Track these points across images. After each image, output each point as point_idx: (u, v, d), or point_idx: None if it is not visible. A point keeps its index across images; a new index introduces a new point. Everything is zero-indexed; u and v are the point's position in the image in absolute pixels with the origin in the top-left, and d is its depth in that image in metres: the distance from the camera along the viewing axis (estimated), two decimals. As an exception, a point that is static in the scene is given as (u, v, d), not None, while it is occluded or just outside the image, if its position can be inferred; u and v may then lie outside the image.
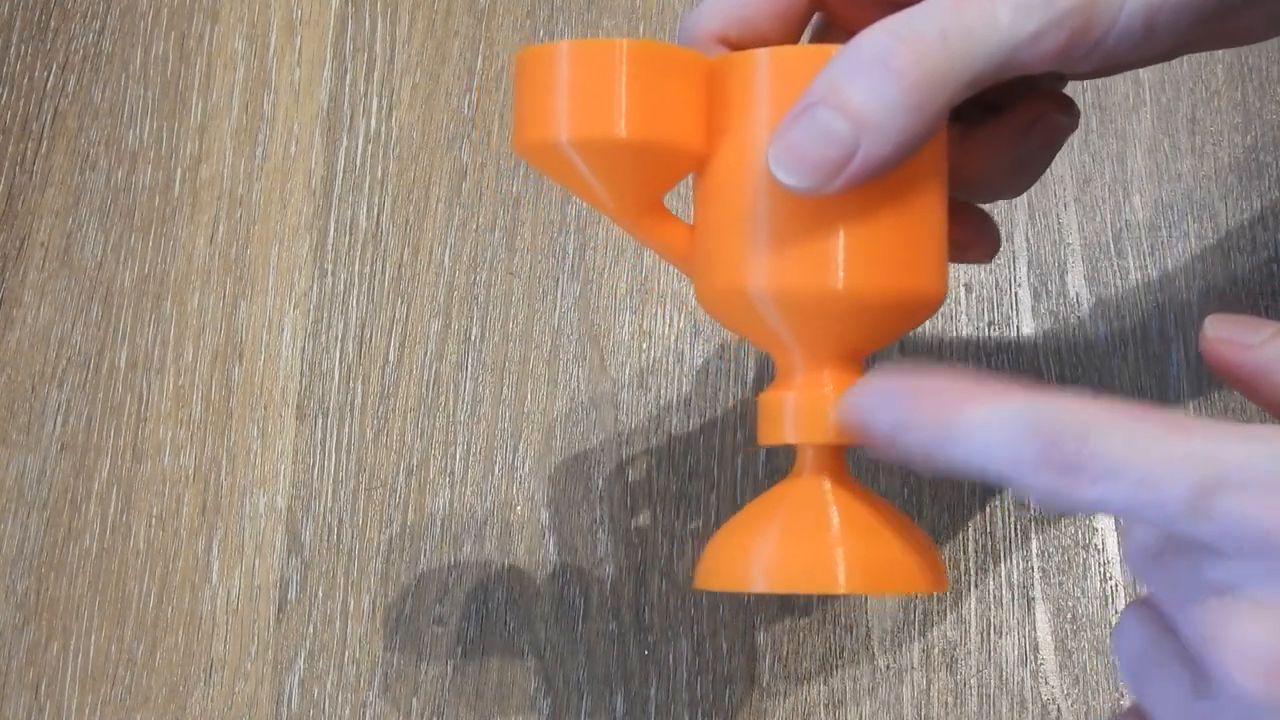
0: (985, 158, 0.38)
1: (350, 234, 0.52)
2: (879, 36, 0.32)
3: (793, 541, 0.35)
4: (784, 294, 0.34)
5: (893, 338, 0.37)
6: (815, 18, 0.39)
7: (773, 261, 0.34)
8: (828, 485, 0.36)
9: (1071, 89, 0.49)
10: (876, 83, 0.31)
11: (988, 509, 0.47)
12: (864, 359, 0.37)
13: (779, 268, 0.34)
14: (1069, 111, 0.39)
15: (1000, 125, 0.38)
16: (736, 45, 0.37)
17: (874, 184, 0.33)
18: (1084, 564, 0.46)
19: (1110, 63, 0.33)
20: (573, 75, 0.34)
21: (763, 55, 0.35)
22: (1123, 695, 0.45)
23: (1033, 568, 0.46)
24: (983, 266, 0.49)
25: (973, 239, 0.40)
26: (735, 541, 0.36)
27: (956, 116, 0.40)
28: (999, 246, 0.41)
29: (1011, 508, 0.47)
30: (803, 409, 0.36)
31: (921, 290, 0.35)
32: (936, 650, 0.45)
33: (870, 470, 0.47)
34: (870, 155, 0.32)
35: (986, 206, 0.41)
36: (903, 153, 0.32)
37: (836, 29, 0.39)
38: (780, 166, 0.33)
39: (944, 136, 0.36)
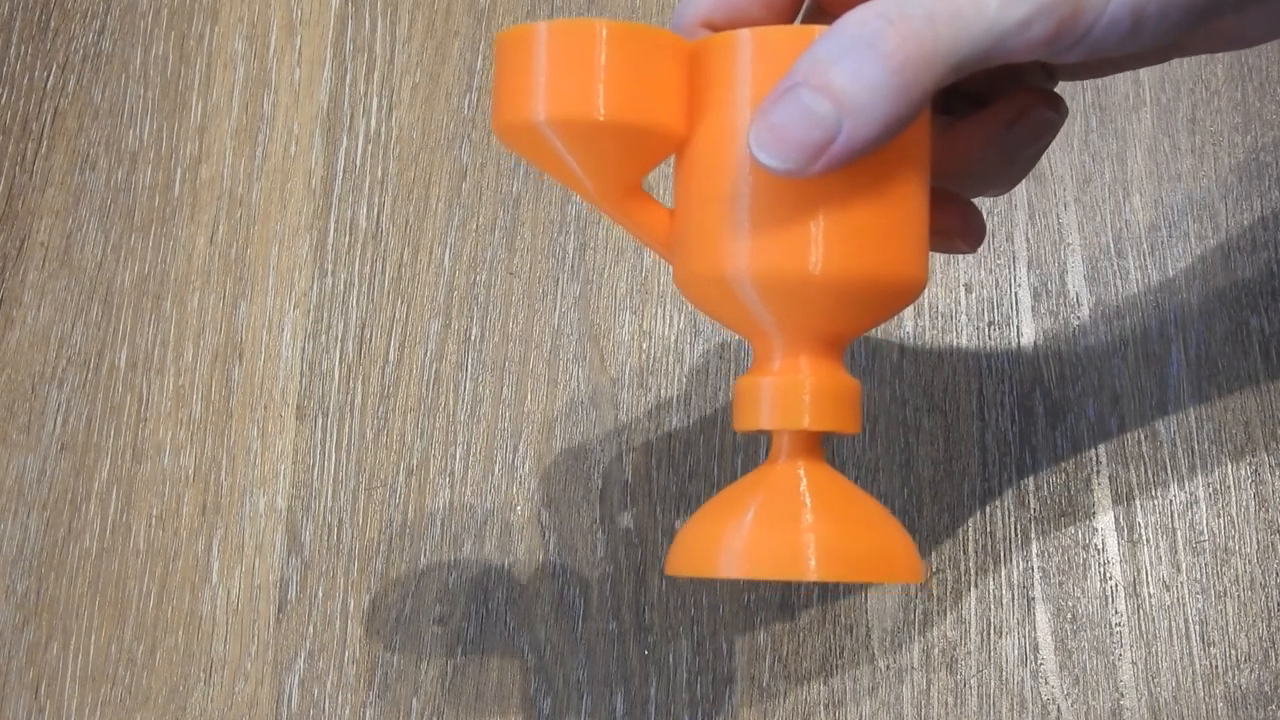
0: (970, 149, 0.38)
1: (350, 234, 0.52)
2: (865, 17, 0.32)
3: (764, 527, 0.35)
4: (762, 277, 0.34)
5: (872, 323, 0.37)
6: (806, 2, 0.39)
7: (752, 244, 0.34)
8: (802, 471, 0.36)
9: (1071, 89, 0.49)
10: (861, 64, 0.31)
11: (988, 509, 0.47)
12: (844, 346, 0.37)
13: (758, 251, 0.34)
14: (1057, 108, 0.39)
15: (986, 117, 0.38)
16: (723, 29, 0.36)
17: (856, 167, 0.33)
18: (1084, 564, 0.46)
19: (1098, 55, 0.33)
20: (551, 55, 0.34)
21: (745, 35, 0.34)
22: (1123, 695, 0.45)
23: (1033, 568, 0.46)
24: (983, 266, 0.49)
25: (958, 227, 0.40)
26: (707, 527, 0.36)
27: (944, 107, 0.40)
28: (984, 237, 0.40)
29: (1012, 507, 0.47)
30: (779, 395, 0.35)
31: (901, 276, 0.35)
32: (936, 650, 0.45)
33: (870, 470, 0.47)
34: (853, 138, 0.32)
35: (979, 201, 0.41)
36: (886, 136, 0.32)
37: (825, 15, 0.39)
38: (761, 148, 0.32)
39: (928, 122, 0.35)
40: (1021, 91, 0.39)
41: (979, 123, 0.38)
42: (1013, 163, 0.39)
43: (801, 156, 0.32)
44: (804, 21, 0.39)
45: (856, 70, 0.31)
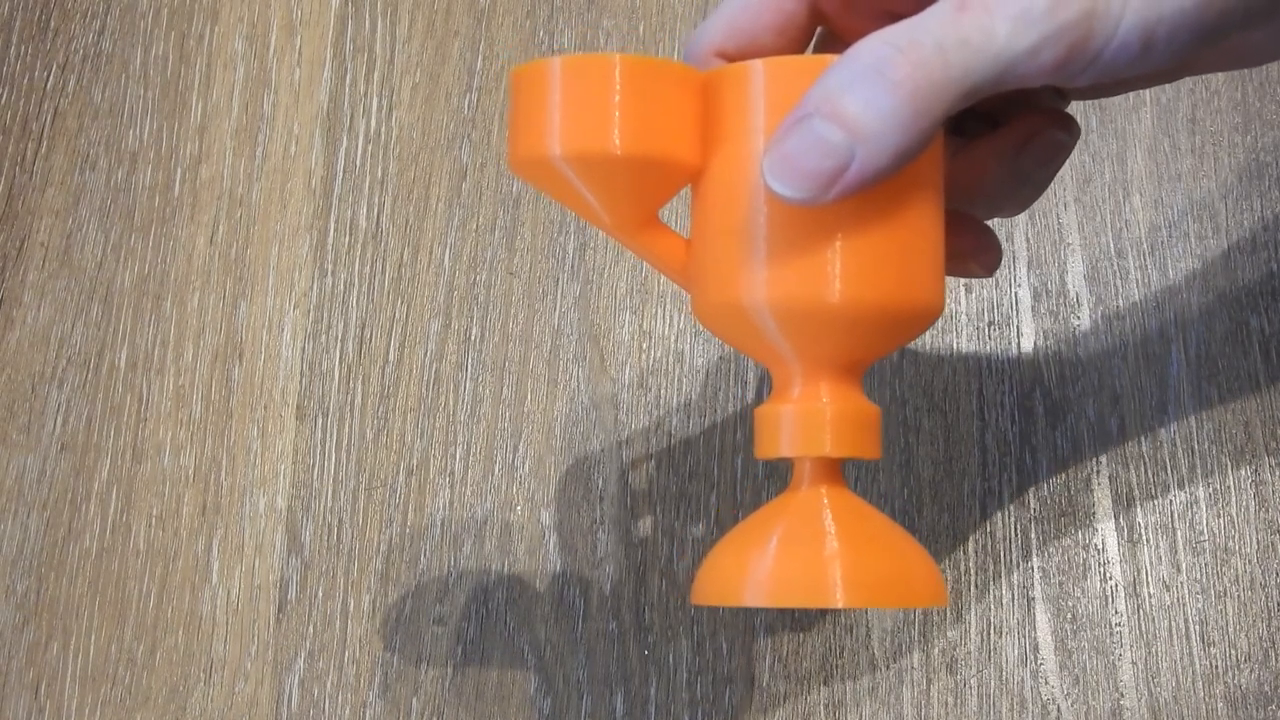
0: (983, 171, 0.38)
1: (350, 234, 0.52)
2: (876, 46, 0.32)
3: (789, 555, 0.35)
4: (780, 306, 0.34)
5: (889, 349, 0.37)
6: (818, 31, 0.39)
7: (769, 273, 0.34)
8: (825, 498, 0.36)
9: (1071, 89, 0.49)
10: (873, 92, 0.31)
11: (988, 509, 0.47)
12: (862, 371, 0.37)
13: (775, 280, 0.34)
14: (1068, 129, 0.39)
15: (999, 139, 0.38)
16: (736, 59, 0.37)
17: (870, 195, 0.33)
18: (1084, 564, 0.46)
19: (1108, 78, 0.33)
20: (566, 90, 0.34)
21: (757, 66, 0.34)
22: (1123, 695, 0.45)
23: (1033, 568, 0.46)
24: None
25: (973, 251, 0.40)
26: (732, 556, 0.36)
27: (956, 129, 0.40)
28: (1000, 259, 0.40)
29: (1012, 508, 0.47)
30: (799, 422, 0.35)
31: (918, 302, 0.35)
32: (936, 650, 0.45)
33: (870, 471, 0.47)
34: (866, 166, 0.32)
35: (991, 221, 0.41)
36: (899, 163, 0.32)
37: (838, 42, 0.39)
38: (775, 177, 0.32)
39: (941, 147, 0.35)
40: (1033, 113, 0.39)
41: (991, 145, 0.38)
42: (1025, 184, 0.39)
43: (815, 185, 0.32)
44: (816, 51, 0.39)
45: (868, 99, 0.31)
